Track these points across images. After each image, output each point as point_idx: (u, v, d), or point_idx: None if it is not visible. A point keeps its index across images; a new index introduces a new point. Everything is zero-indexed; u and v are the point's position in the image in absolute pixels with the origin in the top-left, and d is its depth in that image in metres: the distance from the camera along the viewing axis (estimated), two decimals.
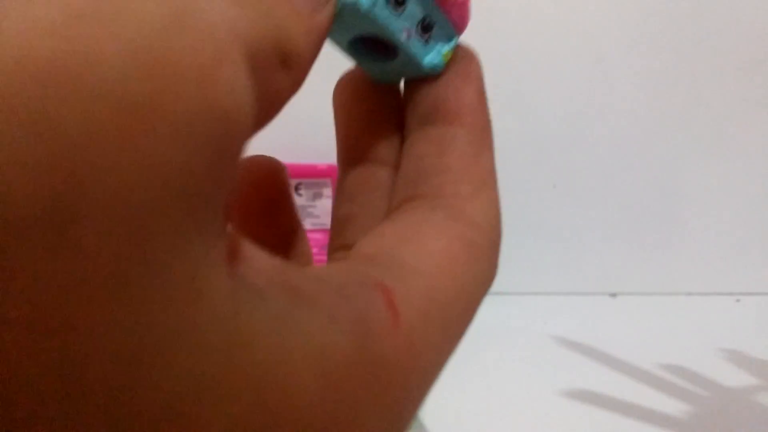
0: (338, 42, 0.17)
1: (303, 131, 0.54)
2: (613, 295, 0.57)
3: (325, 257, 0.47)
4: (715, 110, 0.58)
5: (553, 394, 0.26)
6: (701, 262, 0.58)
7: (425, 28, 0.17)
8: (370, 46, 0.17)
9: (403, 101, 0.18)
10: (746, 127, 0.58)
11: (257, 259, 0.09)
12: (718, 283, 0.58)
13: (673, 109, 0.58)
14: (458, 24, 0.17)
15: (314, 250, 0.51)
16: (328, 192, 0.51)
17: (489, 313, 0.50)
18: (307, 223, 0.51)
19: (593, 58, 0.56)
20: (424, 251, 0.12)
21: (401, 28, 0.16)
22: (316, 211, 0.51)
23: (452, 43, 0.17)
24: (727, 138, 0.58)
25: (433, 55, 0.17)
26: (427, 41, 0.17)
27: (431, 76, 0.17)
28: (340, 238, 0.16)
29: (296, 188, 0.51)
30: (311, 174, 0.51)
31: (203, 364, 0.07)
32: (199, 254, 0.07)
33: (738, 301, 0.55)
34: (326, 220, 0.52)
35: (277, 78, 0.11)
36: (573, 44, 0.56)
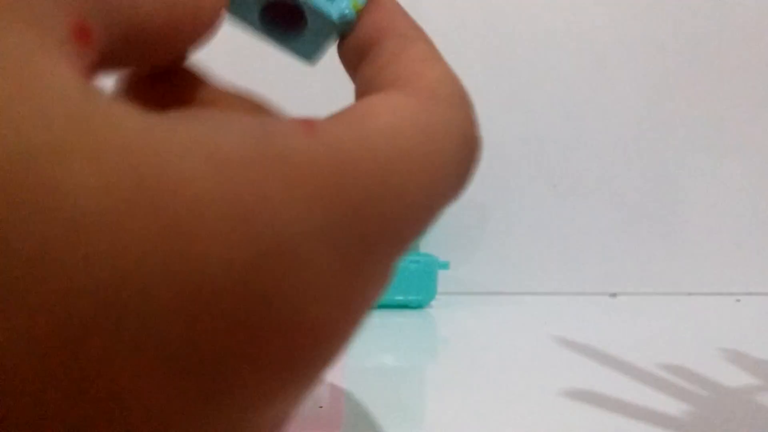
0: (251, 22, 0.16)
1: None
2: (613, 295, 0.57)
3: None
4: (715, 110, 0.58)
5: (553, 394, 0.26)
6: (701, 262, 0.58)
7: None
8: (282, 24, 0.17)
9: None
10: (746, 127, 0.58)
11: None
12: (718, 283, 0.58)
13: (673, 109, 0.57)
14: None
15: None
16: None
17: (489, 313, 0.50)
18: None
19: (593, 58, 0.56)
20: (387, 108, 0.12)
21: None
22: None
23: None
24: (727, 138, 0.58)
25: (341, 5, 0.16)
26: None
27: (347, 31, 0.16)
28: None
29: None
30: None
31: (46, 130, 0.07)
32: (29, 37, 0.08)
33: (738, 301, 0.55)
34: None
35: None
36: (573, 44, 0.56)
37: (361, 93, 0.15)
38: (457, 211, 0.56)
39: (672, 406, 0.25)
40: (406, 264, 0.47)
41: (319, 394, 0.27)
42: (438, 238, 0.55)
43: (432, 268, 0.48)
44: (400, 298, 0.47)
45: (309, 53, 0.17)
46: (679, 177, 0.58)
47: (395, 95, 0.13)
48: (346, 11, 0.16)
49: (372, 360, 0.34)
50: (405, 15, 0.17)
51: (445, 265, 0.48)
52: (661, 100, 0.57)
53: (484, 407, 0.25)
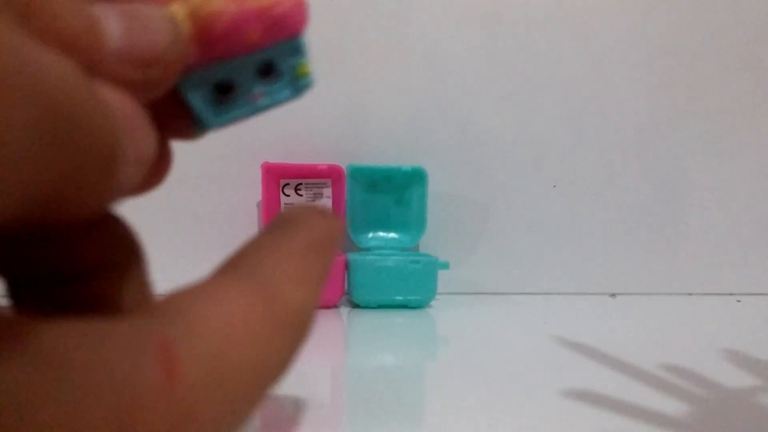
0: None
1: (303, 132, 0.54)
2: (613, 295, 0.57)
3: None
4: (715, 110, 0.58)
5: (553, 394, 0.26)
6: (701, 262, 0.58)
7: (265, 72, 0.16)
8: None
9: None
10: (746, 127, 0.58)
11: None
12: (718, 284, 0.58)
13: (674, 109, 0.58)
14: (292, 30, 0.17)
15: None
16: (328, 192, 0.51)
17: (489, 313, 0.50)
18: None
19: (593, 58, 0.56)
20: (221, 310, 0.12)
21: (245, 102, 0.16)
22: None
23: (300, 52, 0.17)
24: (727, 138, 0.58)
25: (292, 84, 0.17)
26: (279, 77, 0.17)
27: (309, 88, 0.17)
28: None
29: (296, 188, 0.51)
30: (311, 174, 0.51)
31: None
32: None
33: (738, 301, 0.55)
34: None
35: None
36: (573, 44, 0.56)
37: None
38: (457, 211, 0.56)
39: (672, 406, 0.25)
40: (406, 264, 0.47)
41: (319, 394, 0.27)
42: (438, 238, 0.55)
43: (432, 268, 0.48)
44: (400, 298, 0.47)
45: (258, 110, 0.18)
46: (679, 177, 0.58)
47: (249, 304, 0.13)
48: (300, 85, 0.17)
49: (372, 360, 0.34)
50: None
51: (445, 265, 0.49)
52: (661, 101, 0.57)
53: (484, 407, 0.25)
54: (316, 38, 0.59)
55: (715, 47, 0.57)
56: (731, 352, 0.35)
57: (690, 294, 0.58)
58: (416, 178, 0.52)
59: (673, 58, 0.57)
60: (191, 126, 0.17)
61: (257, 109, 0.17)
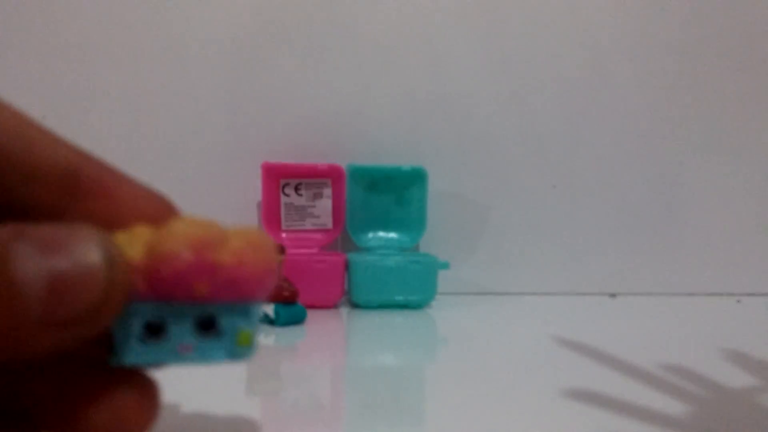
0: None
1: (303, 131, 0.54)
2: (613, 295, 0.57)
3: (324, 257, 0.47)
4: (715, 110, 0.58)
5: (553, 394, 0.26)
6: (701, 262, 0.58)
7: (204, 326, 0.15)
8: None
9: None
10: (746, 127, 0.58)
11: None
12: (718, 284, 0.58)
13: (674, 109, 0.58)
14: (247, 294, 0.15)
15: (314, 250, 0.51)
16: (328, 192, 0.51)
17: (489, 313, 0.50)
18: (307, 223, 0.51)
19: (593, 58, 0.56)
20: None
21: (174, 349, 0.15)
22: (316, 211, 0.51)
23: (249, 319, 0.16)
24: (727, 138, 0.58)
25: (230, 347, 0.16)
26: (217, 335, 0.15)
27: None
28: None
29: (296, 188, 0.51)
30: (311, 174, 0.51)
31: None
32: None
33: (738, 301, 0.55)
34: (326, 220, 0.52)
35: None
36: (573, 44, 0.56)
37: None
38: (457, 211, 0.56)
39: (672, 406, 0.25)
40: (406, 264, 0.47)
41: (319, 394, 0.27)
42: (438, 238, 0.55)
43: (432, 268, 0.48)
44: (400, 298, 0.47)
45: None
46: (679, 177, 0.58)
47: None
48: (237, 349, 0.16)
49: (372, 360, 0.34)
50: None
51: (445, 265, 0.48)
52: (662, 101, 0.57)
53: (484, 407, 0.25)
54: (317, 38, 0.59)
55: (715, 47, 0.57)
56: (731, 352, 0.35)
57: (690, 294, 0.58)
58: (416, 178, 0.52)
59: (673, 58, 0.57)
60: (106, 353, 0.16)
61: (180, 361, 0.15)
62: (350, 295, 0.48)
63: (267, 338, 0.37)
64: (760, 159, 0.58)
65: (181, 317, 0.15)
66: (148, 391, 0.16)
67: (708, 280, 0.58)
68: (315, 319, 0.42)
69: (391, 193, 0.53)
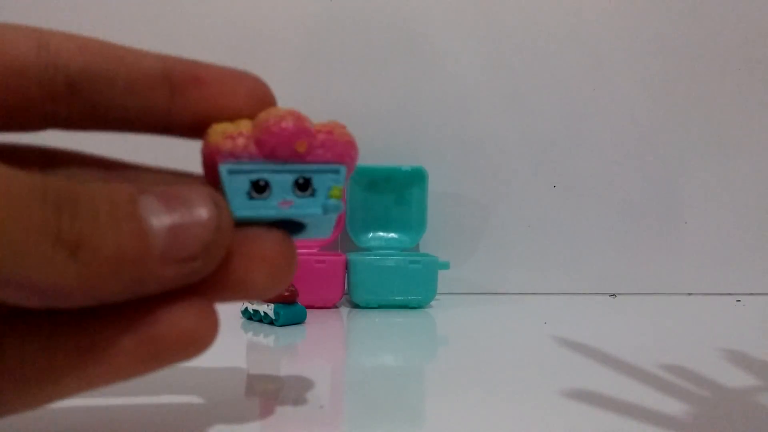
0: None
1: None
2: (613, 295, 0.57)
3: (325, 257, 0.47)
4: (715, 110, 0.58)
5: (553, 394, 0.26)
6: (701, 262, 0.58)
7: (302, 186, 0.18)
8: (287, 227, 0.19)
9: None
10: (746, 127, 0.58)
11: None
12: (718, 283, 0.58)
13: (673, 109, 0.58)
14: (336, 158, 0.19)
15: (314, 250, 0.51)
16: None
17: (489, 313, 0.50)
18: None
19: (593, 58, 0.56)
20: None
21: (275, 204, 0.18)
22: None
23: (338, 178, 0.19)
24: (727, 138, 0.58)
25: (322, 203, 0.18)
26: (312, 194, 0.18)
27: (339, 207, 0.19)
28: None
29: None
30: None
31: None
32: None
33: (738, 301, 0.55)
34: None
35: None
36: (573, 44, 0.56)
37: None
38: (457, 211, 0.56)
39: (672, 406, 0.25)
40: (406, 264, 0.47)
41: (319, 394, 0.27)
42: (438, 238, 0.55)
43: (432, 268, 0.48)
44: (400, 298, 0.47)
45: (323, 233, 0.20)
46: (679, 177, 0.58)
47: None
48: (329, 204, 0.18)
49: (372, 360, 0.34)
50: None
51: (445, 265, 0.48)
52: (662, 101, 0.57)
53: (484, 407, 0.25)
54: (317, 38, 0.59)
55: (715, 47, 0.57)
56: (731, 352, 0.35)
57: (690, 294, 0.58)
58: (416, 178, 0.52)
59: (673, 58, 0.57)
60: None
61: (282, 215, 0.18)
62: (350, 295, 0.48)
63: (267, 338, 0.37)
64: (760, 159, 0.58)
65: (282, 177, 0.18)
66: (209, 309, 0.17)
67: (708, 280, 0.58)
68: (315, 319, 0.42)
69: (391, 193, 0.53)
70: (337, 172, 0.19)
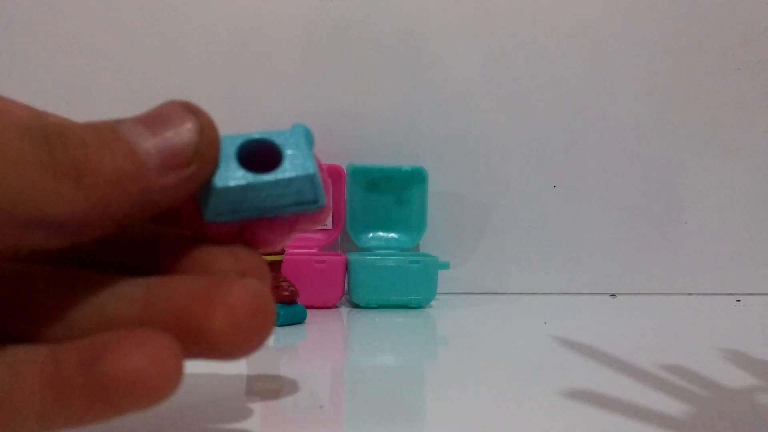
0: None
1: None
2: (613, 295, 0.57)
3: (325, 257, 0.47)
4: (715, 110, 0.58)
5: (553, 394, 0.26)
6: (701, 262, 0.58)
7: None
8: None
9: None
10: (746, 127, 0.58)
11: None
12: (718, 283, 0.58)
13: (674, 109, 0.58)
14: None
15: (314, 250, 0.51)
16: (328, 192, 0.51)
17: (489, 313, 0.50)
18: None
19: (593, 58, 0.56)
20: None
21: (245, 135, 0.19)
22: None
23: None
24: (727, 138, 0.58)
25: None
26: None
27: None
28: None
29: None
30: None
31: None
32: None
33: (738, 301, 0.55)
34: (326, 220, 0.51)
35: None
36: (572, 44, 0.56)
37: None
38: (457, 211, 0.56)
39: (672, 406, 0.25)
40: (406, 264, 0.47)
41: (319, 394, 0.27)
42: (438, 238, 0.55)
43: (432, 268, 0.48)
44: (400, 298, 0.47)
45: (303, 168, 0.20)
46: (679, 177, 0.58)
47: None
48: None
49: (372, 360, 0.34)
50: None
51: (445, 265, 0.48)
52: (662, 101, 0.57)
53: (484, 407, 0.25)
54: (317, 38, 0.59)
55: (715, 47, 0.57)
56: (731, 352, 0.35)
57: (690, 294, 0.58)
58: (416, 178, 0.52)
59: (673, 58, 0.57)
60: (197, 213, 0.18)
61: (254, 137, 0.19)
62: (350, 295, 0.48)
63: None
64: (760, 159, 0.58)
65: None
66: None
67: (708, 280, 0.58)
68: (315, 319, 0.42)
69: (391, 193, 0.53)
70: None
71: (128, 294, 0.17)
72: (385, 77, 0.55)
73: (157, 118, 0.16)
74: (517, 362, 0.33)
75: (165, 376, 0.15)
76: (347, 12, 0.54)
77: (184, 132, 0.16)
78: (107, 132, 0.15)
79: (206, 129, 0.17)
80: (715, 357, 0.33)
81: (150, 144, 0.15)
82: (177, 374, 0.15)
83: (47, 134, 0.14)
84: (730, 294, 0.58)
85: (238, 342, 0.15)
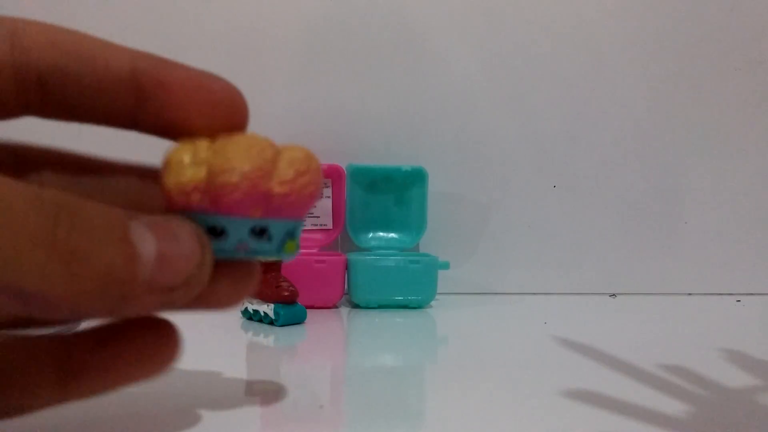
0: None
1: (303, 132, 0.54)
2: (613, 295, 0.57)
3: (325, 257, 0.47)
4: (715, 110, 0.58)
5: (553, 394, 0.26)
6: (701, 262, 0.58)
7: (258, 233, 0.18)
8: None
9: None
10: (746, 127, 0.58)
11: None
12: (718, 283, 0.58)
13: (673, 109, 0.58)
14: (292, 215, 0.18)
15: (314, 250, 0.51)
16: (327, 192, 0.51)
17: (489, 313, 0.50)
18: (307, 223, 0.51)
19: (593, 58, 0.56)
20: None
21: (232, 247, 0.18)
22: (316, 211, 0.51)
23: (293, 234, 0.19)
24: (727, 138, 0.58)
25: (279, 249, 0.18)
26: (269, 239, 0.18)
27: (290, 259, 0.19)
28: None
29: None
30: None
31: None
32: None
33: (738, 301, 0.55)
34: (326, 220, 0.52)
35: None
36: (572, 44, 0.56)
37: None
38: (457, 211, 0.56)
39: (672, 406, 0.25)
40: (406, 264, 0.47)
41: (319, 394, 0.27)
42: (438, 238, 0.55)
43: (432, 268, 0.48)
44: (400, 298, 0.47)
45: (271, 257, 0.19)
46: (679, 177, 0.58)
47: None
48: (282, 256, 0.19)
49: (372, 360, 0.34)
50: None
51: (445, 265, 0.48)
52: (662, 101, 0.57)
53: (484, 407, 0.25)
54: (317, 38, 0.59)
55: (715, 47, 0.57)
56: (731, 352, 0.35)
57: (690, 294, 0.58)
58: (416, 178, 0.52)
59: (673, 58, 0.57)
60: None
61: (237, 255, 0.18)
62: (350, 295, 0.48)
63: (267, 338, 0.37)
64: (760, 159, 0.58)
65: (238, 224, 0.18)
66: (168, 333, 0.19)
67: (708, 280, 0.58)
68: (315, 319, 0.42)
69: (391, 193, 0.53)
70: (292, 229, 0.18)
71: None
72: (385, 77, 0.55)
73: (167, 231, 0.16)
74: (517, 362, 0.33)
75: (172, 348, 0.18)
76: (347, 12, 0.54)
77: (186, 259, 0.16)
78: (118, 227, 0.15)
79: (205, 264, 0.17)
80: (715, 357, 0.33)
81: (150, 253, 0.15)
82: (176, 348, 0.18)
83: (58, 212, 0.14)
84: (730, 294, 0.58)
85: (236, 300, 0.19)
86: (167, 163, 0.18)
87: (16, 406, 0.18)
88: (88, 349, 0.18)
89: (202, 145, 0.18)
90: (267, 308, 0.40)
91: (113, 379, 0.18)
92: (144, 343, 0.18)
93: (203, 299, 0.18)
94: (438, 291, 0.49)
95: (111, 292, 0.15)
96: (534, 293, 0.57)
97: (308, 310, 0.42)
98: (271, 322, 0.40)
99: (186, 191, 0.17)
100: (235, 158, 0.17)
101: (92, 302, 0.15)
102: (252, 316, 0.41)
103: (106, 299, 0.15)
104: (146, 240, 0.15)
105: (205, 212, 0.17)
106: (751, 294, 0.58)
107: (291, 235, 0.18)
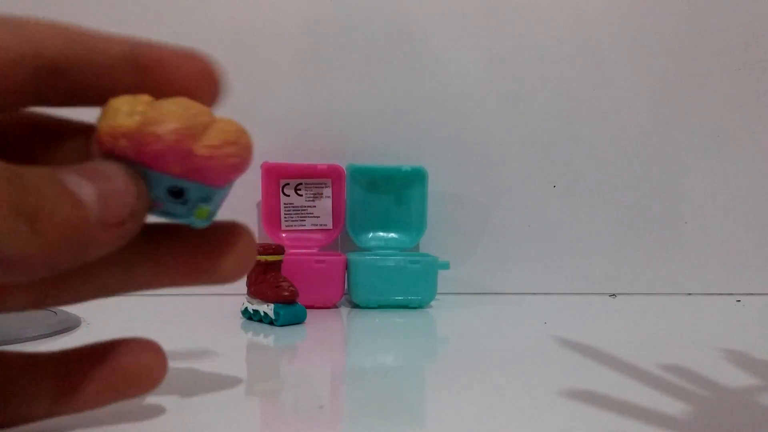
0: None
1: (303, 132, 0.54)
2: (613, 295, 0.57)
3: (325, 257, 0.48)
4: (715, 110, 0.58)
5: (553, 394, 0.26)
6: (701, 262, 0.58)
7: (175, 194, 0.18)
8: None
9: None
10: (746, 127, 0.58)
11: None
12: (718, 283, 0.58)
13: (673, 109, 0.58)
14: (209, 181, 0.18)
15: (314, 250, 0.52)
16: (327, 192, 0.51)
17: (489, 313, 0.50)
18: (307, 223, 0.51)
19: (593, 58, 0.56)
20: None
21: (152, 199, 0.18)
22: (316, 211, 0.51)
23: (208, 200, 0.19)
24: (727, 138, 0.58)
25: (190, 214, 0.19)
26: (185, 203, 0.19)
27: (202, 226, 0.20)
28: None
29: (296, 188, 0.51)
30: (311, 174, 0.51)
31: None
32: None
33: (738, 301, 0.55)
34: (326, 220, 0.52)
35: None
36: (572, 45, 0.56)
37: None
38: (457, 211, 0.56)
39: (672, 406, 0.25)
40: (406, 264, 0.47)
41: (319, 394, 0.27)
42: (438, 238, 0.55)
43: (432, 268, 0.48)
44: (400, 298, 0.47)
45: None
46: (678, 177, 0.58)
47: None
48: (192, 220, 0.19)
49: (372, 360, 0.34)
50: None
51: (445, 265, 0.48)
52: (661, 101, 0.57)
53: (484, 407, 0.25)
54: (317, 38, 0.59)
55: (715, 47, 0.57)
56: (731, 352, 0.35)
57: (690, 294, 0.58)
58: (416, 178, 0.52)
59: (672, 58, 0.57)
60: None
61: (154, 213, 0.19)
62: (350, 295, 0.48)
63: (267, 338, 0.37)
64: (760, 159, 0.58)
65: (158, 183, 0.18)
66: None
67: (708, 280, 0.58)
68: (315, 319, 0.42)
69: (391, 193, 0.53)
70: (209, 195, 0.19)
71: None
72: (385, 77, 0.55)
73: (95, 173, 0.17)
74: (517, 362, 0.33)
75: (163, 368, 0.21)
76: (347, 12, 0.54)
77: (124, 194, 0.17)
78: (57, 184, 0.16)
79: (143, 195, 0.18)
80: (715, 357, 0.33)
81: (90, 195, 0.17)
82: (166, 366, 0.21)
83: (12, 178, 0.15)
84: (730, 294, 0.58)
85: (239, 274, 0.21)
86: (106, 108, 0.18)
87: (16, 416, 0.20)
88: (86, 365, 0.20)
89: (143, 99, 0.18)
90: (267, 308, 0.40)
91: (109, 395, 0.20)
92: (136, 360, 0.20)
93: (211, 273, 0.20)
94: (438, 291, 0.49)
95: (73, 239, 0.16)
96: (534, 293, 0.57)
97: (308, 310, 0.42)
98: (271, 322, 0.40)
99: (115, 135, 0.18)
100: (168, 114, 0.18)
101: (61, 253, 0.16)
102: (252, 316, 0.41)
103: (72, 246, 0.16)
104: (83, 186, 0.17)
105: (128, 160, 0.18)
106: (751, 294, 0.58)
107: (205, 200, 0.19)
